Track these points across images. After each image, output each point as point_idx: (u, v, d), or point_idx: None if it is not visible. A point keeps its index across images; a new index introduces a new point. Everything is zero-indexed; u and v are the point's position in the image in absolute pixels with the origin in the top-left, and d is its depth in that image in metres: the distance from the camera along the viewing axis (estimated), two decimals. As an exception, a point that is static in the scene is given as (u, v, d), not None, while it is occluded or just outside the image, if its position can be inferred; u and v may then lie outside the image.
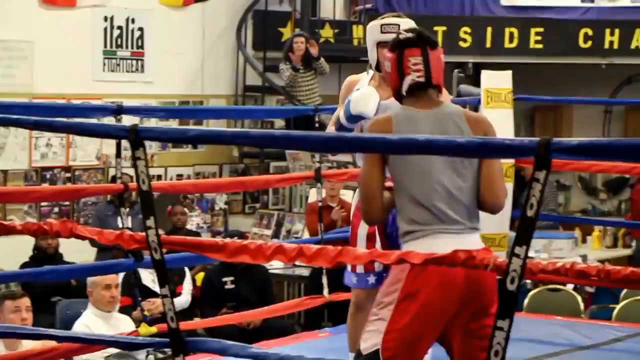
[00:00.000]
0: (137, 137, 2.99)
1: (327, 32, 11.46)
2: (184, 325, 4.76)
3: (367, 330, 3.41)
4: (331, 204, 8.69)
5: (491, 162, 3.50)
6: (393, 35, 3.80)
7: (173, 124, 9.35)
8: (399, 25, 4.03)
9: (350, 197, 10.00)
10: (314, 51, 10.20)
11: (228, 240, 2.99)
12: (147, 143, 3.02)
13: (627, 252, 10.70)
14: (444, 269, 3.15)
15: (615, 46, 11.88)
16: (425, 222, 3.40)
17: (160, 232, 3.15)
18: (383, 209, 3.47)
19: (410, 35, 3.59)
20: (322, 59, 10.34)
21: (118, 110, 5.53)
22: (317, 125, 6.48)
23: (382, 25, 4.19)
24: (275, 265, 8.95)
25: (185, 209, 9.93)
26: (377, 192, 3.44)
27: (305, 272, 9.05)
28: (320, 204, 6.33)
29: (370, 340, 3.38)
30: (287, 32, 11.46)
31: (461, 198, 3.45)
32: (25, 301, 5.78)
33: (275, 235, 10.30)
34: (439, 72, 3.58)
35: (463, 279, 3.33)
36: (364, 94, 4.01)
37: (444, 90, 3.74)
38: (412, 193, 3.43)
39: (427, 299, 3.32)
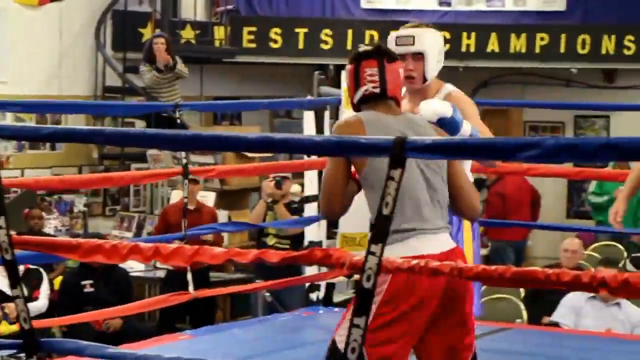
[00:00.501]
0: None
1: (188, 33, 11.38)
2: (39, 324, 4.65)
3: (343, 327, 3.40)
4: (189, 206, 8.61)
5: (459, 172, 3.65)
6: (407, 48, 3.87)
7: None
8: (413, 37, 3.92)
9: (212, 199, 9.99)
10: (163, 59, 10.09)
11: (82, 239, 2.94)
12: (2, 144, 2.95)
13: (484, 252, 10.92)
14: (425, 277, 3.25)
15: (472, 49, 12.16)
16: (407, 224, 3.49)
17: (12, 232, 3.07)
18: (343, 205, 3.59)
19: (368, 47, 3.65)
20: (179, 65, 10.25)
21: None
22: (178, 123, 6.42)
23: (396, 37, 4.03)
24: (137, 268, 8.85)
25: (43, 213, 9.73)
26: (339, 192, 3.56)
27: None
28: (185, 200, 6.28)
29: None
30: (147, 32, 11.33)
31: (436, 199, 3.58)
32: None
33: (137, 237, 10.18)
34: (396, 85, 3.62)
35: (443, 286, 3.45)
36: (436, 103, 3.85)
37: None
38: None
39: (406, 306, 3.43)
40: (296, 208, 8.30)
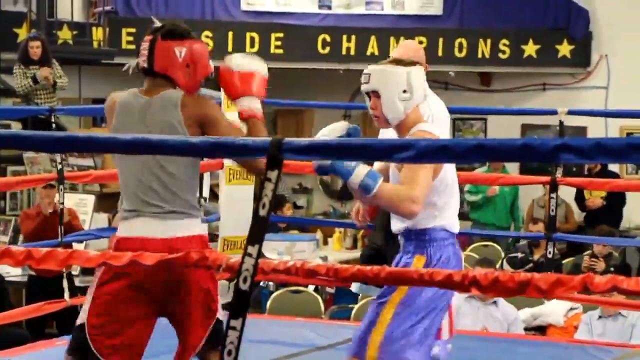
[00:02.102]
0: None
1: (65, 34, 11.21)
2: None
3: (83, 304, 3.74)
4: (48, 210, 8.51)
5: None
6: (364, 87, 3.87)
7: None
8: (369, 75, 3.87)
9: (91, 202, 9.85)
10: (45, 78, 9.89)
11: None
12: None
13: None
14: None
15: (352, 52, 12.26)
16: (129, 206, 3.68)
17: None
18: None
19: (156, 25, 3.82)
20: (60, 81, 10.08)
21: None
22: (54, 127, 6.33)
23: (362, 74, 3.99)
24: (14, 273, 8.68)
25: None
26: None
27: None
28: (61, 206, 6.19)
29: (81, 315, 3.72)
30: (22, 33, 11.11)
31: (168, 185, 3.67)
32: None
33: (13, 241, 9.97)
34: (165, 62, 3.74)
35: (162, 277, 3.58)
36: (328, 129, 3.80)
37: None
38: (121, 180, 3.73)
39: (121, 283, 3.61)
40: None
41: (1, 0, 11.08)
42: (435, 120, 4.79)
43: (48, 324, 8.59)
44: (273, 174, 2.58)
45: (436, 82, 12.92)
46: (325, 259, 9.42)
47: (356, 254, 11.00)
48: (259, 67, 3.88)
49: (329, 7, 12.49)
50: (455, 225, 3.96)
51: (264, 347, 5.40)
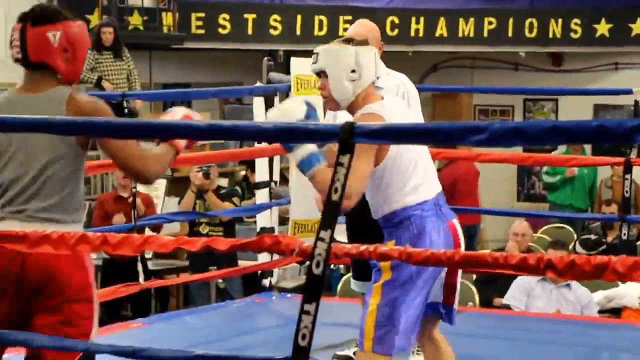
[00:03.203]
0: None
1: (135, 20, 11.30)
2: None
3: None
4: (123, 194, 8.61)
5: (110, 145, 3.39)
6: (312, 67, 3.81)
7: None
8: (317, 55, 3.81)
9: (163, 187, 9.96)
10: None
11: (29, 230, 2.91)
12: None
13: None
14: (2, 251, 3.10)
15: (421, 34, 12.20)
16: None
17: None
18: None
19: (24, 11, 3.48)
20: (134, 82, 10.23)
21: None
22: (126, 112, 6.38)
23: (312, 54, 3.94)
24: (94, 256, 8.81)
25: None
26: None
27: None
28: (134, 190, 6.26)
29: None
30: (94, 19, 11.23)
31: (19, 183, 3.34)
32: None
33: (88, 225, 10.11)
34: (40, 50, 3.38)
35: (19, 261, 3.21)
36: (282, 111, 3.70)
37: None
38: None
39: None
40: (224, 194, 8.33)
41: (73, -13, 11.19)
42: (411, 99, 4.80)
43: (123, 306, 8.71)
44: (345, 159, 2.58)
45: (506, 63, 12.84)
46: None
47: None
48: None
49: (398, -11, 12.44)
50: (421, 194, 3.85)
51: (335, 330, 5.41)
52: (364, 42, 3.89)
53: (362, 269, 4.80)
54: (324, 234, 2.59)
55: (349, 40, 3.86)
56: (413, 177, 3.84)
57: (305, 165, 3.58)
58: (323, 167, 3.56)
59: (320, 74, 3.84)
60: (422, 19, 12.19)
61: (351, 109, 3.85)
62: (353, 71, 3.79)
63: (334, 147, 3.80)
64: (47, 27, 3.39)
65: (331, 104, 3.87)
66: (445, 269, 3.91)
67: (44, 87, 3.40)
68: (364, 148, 3.58)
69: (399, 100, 4.24)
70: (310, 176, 3.59)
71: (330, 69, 3.80)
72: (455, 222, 4.01)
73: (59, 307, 3.26)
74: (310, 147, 3.57)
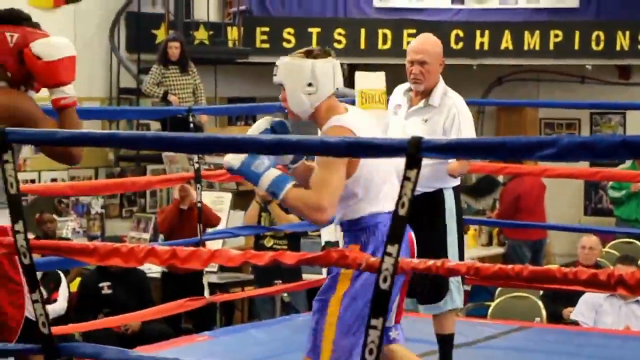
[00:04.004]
0: (3, 140, 2.92)
1: (201, 34, 11.39)
2: (58, 330, 4.67)
3: None
4: (182, 206, 8.66)
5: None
6: (274, 79, 3.85)
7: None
8: (277, 67, 3.86)
9: (228, 200, 10.00)
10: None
11: (99, 243, 2.95)
12: (18, 146, 2.96)
13: (501, 250, 10.92)
14: None
15: (486, 47, 12.14)
16: None
17: (31, 236, 3.08)
18: None
19: None
20: (200, 97, 10.33)
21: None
22: (192, 126, 6.43)
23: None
24: (154, 269, 8.88)
25: (54, 216, 9.75)
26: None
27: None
28: (199, 204, 6.28)
29: None
30: (161, 34, 11.35)
31: None
32: None
33: (154, 238, 10.19)
34: None
35: None
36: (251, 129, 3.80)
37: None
38: None
39: None
40: None
41: (140, 3, 11.33)
42: (460, 114, 4.79)
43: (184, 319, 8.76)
44: (412, 173, 2.57)
45: (572, 76, 12.72)
46: (460, 256, 9.34)
47: (492, 251, 10.91)
48: (66, 51, 3.71)
49: (462, 2, 12.40)
50: (390, 204, 3.67)
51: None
52: (324, 54, 3.86)
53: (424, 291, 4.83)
54: (391, 249, 2.59)
55: (308, 53, 3.85)
56: (384, 188, 3.83)
57: (275, 188, 3.61)
58: (292, 189, 3.60)
59: (280, 86, 3.86)
60: (487, 32, 12.14)
61: (315, 120, 3.85)
62: (310, 84, 3.79)
63: (310, 162, 3.85)
64: (6, 27, 3.61)
65: (291, 114, 3.89)
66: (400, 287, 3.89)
67: None
68: (334, 161, 3.61)
69: (363, 112, 4.22)
70: (283, 197, 3.61)
71: (287, 81, 3.82)
72: (412, 234, 3.96)
73: None
74: (274, 172, 3.61)
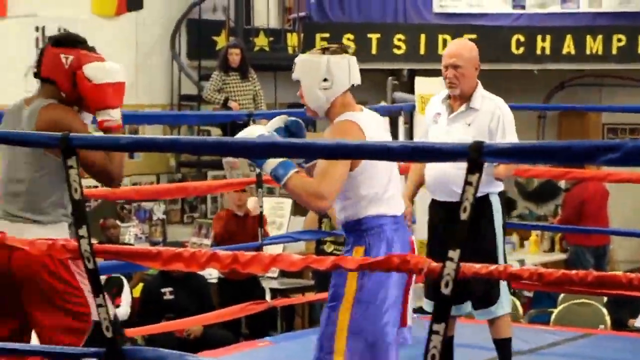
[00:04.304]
0: (68, 145, 2.96)
1: (261, 41, 11.45)
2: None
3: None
4: (238, 213, 8.70)
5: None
6: (293, 75, 3.94)
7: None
8: (294, 64, 3.94)
9: (288, 207, 10.03)
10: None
11: (161, 248, 2.97)
12: (81, 153, 3.00)
13: (564, 256, 10.82)
14: None
15: (547, 52, 12.04)
16: None
17: (94, 241, 3.12)
18: None
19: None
20: (260, 103, 10.38)
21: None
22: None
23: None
24: (215, 275, 8.92)
25: (118, 222, 9.85)
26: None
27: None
28: (261, 209, 6.30)
29: None
30: (221, 40, 11.42)
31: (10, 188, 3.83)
32: None
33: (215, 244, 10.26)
34: (50, 68, 3.84)
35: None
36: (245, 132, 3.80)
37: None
38: None
39: None
40: None
41: (201, 10, 11.41)
42: (504, 116, 4.80)
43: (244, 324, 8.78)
44: (474, 178, 2.56)
45: (636, 80, 12.57)
46: (522, 262, 9.28)
47: (554, 257, 10.81)
48: (116, 76, 3.90)
49: (523, 7, 12.30)
50: (394, 207, 3.87)
51: (462, 351, 5.36)
52: (340, 51, 3.93)
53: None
54: (453, 254, 2.58)
55: (325, 49, 3.93)
56: (389, 189, 3.87)
57: (279, 172, 3.65)
58: (295, 175, 3.66)
59: (298, 82, 3.93)
60: (548, 37, 12.03)
61: (330, 115, 3.91)
62: (325, 80, 3.86)
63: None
64: (63, 50, 3.84)
65: (309, 111, 3.96)
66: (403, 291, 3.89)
67: (35, 100, 3.84)
68: None
69: (377, 115, 4.23)
70: (285, 182, 3.66)
71: (303, 77, 3.89)
72: (414, 239, 3.99)
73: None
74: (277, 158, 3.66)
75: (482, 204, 4.83)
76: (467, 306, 5.02)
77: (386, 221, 3.83)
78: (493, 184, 4.89)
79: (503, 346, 4.97)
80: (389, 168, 3.90)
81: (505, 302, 4.95)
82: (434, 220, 5.04)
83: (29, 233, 3.66)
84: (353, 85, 3.92)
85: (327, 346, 3.83)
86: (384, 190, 3.85)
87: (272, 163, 3.63)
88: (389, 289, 3.79)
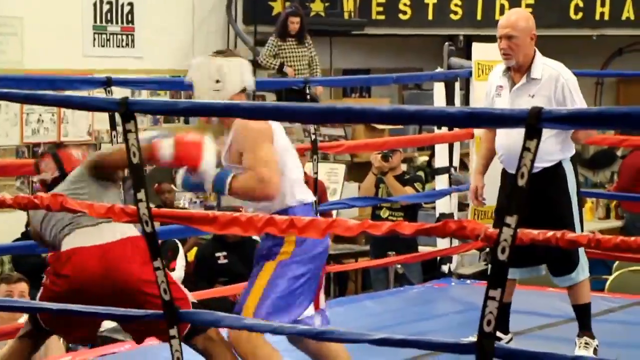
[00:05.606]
0: (127, 109, 2.99)
1: (317, 6, 11.42)
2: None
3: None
4: None
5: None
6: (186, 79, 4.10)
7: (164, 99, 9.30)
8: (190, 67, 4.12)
9: (342, 172, 10.04)
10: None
11: (218, 212, 2.99)
12: (138, 118, 3.03)
13: (619, 223, 10.73)
14: (85, 257, 3.74)
15: (606, 17, 11.89)
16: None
17: (152, 205, 3.15)
18: None
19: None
20: (315, 69, 10.37)
21: (107, 82, 5.51)
22: (308, 98, 6.46)
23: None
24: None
25: (172, 186, 9.92)
26: None
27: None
28: (315, 176, 6.31)
29: None
30: (277, 6, 11.42)
31: None
32: (20, 286, 5.75)
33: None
34: None
35: (99, 264, 3.80)
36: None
37: None
38: None
39: (72, 279, 3.84)
40: (407, 180, 8.27)
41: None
42: (569, 82, 4.78)
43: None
44: (532, 144, 2.55)
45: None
46: (577, 229, 9.21)
47: (609, 224, 10.72)
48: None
49: (583, -28, 12.15)
50: (309, 195, 3.97)
51: (517, 317, 5.34)
52: (232, 55, 4.12)
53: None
54: (510, 220, 2.58)
55: (218, 52, 4.08)
56: (300, 176, 3.98)
57: (219, 184, 3.80)
58: (234, 179, 3.79)
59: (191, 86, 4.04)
60: (607, 2, 11.88)
61: (224, 120, 4.03)
62: (217, 81, 3.95)
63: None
64: None
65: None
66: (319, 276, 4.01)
67: None
68: (255, 137, 3.79)
69: None
70: (228, 187, 3.79)
71: (196, 79, 3.98)
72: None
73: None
74: (213, 171, 3.81)
75: (556, 171, 4.76)
76: (541, 269, 4.99)
77: (308, 209, 3.94)
78: (566, 149, 4.80)
79: (584, 311, 4.91)
80: (295, 157, 4.02)
81: (585, 267, 4.89)
82: (505, 190, 4.98)
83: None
84: (247, 90, 4.05)
85: (243, 299, 3.97)
86: (297, 177, 3.97)
87: (209, 179, 3.80)
88: (313, 265, 3.93)
